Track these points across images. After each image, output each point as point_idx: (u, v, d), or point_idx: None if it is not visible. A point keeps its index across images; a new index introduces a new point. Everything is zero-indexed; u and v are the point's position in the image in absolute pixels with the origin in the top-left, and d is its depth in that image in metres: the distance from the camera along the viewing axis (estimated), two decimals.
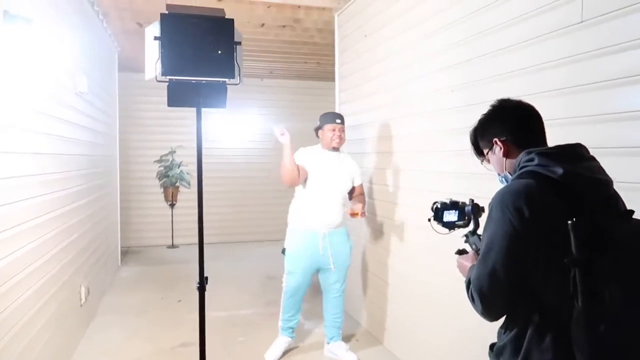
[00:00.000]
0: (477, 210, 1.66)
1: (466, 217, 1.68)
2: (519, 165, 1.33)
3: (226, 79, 1.96)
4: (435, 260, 3.03)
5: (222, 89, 1.98)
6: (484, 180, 2.54)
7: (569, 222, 1.14)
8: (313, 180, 3.36)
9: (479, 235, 1.62)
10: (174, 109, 8.16)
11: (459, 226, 1.71)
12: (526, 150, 1.34)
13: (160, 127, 7.79)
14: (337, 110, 4.79)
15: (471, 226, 1.68)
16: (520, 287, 1.21)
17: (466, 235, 1.64)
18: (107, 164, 5.58)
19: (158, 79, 1.84)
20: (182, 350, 3.72)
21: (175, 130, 7.80)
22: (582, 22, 1.94)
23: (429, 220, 1.70)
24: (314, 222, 3.36)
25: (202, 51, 1.86)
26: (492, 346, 1.35)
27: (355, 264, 4.23)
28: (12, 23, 2.08)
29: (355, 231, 4.12)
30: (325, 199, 3.36)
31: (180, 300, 4.97)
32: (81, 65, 4.05)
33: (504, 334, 1.31)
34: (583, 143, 1.36)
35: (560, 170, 1.22)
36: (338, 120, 3.43)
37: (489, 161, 1.50)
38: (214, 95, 1.96)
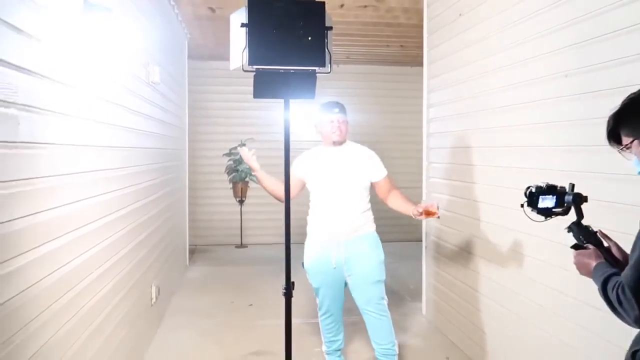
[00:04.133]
0: (579, 199, 1.65)
1: (565, 204, 1.68)
2: None
3: (316, 68, 1.97)
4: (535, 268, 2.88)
5: (311, 78, 1.99)
6: (603, 181, 2.38)
7: None
8: (316, 185, 3.18)
9: (586, 227, 1.64)
10: (245, 99, 8.34)
11: (556, 214, 1.70)
12: None
13: (229, 119, 8.04)
14: (425, 99, 4.70)
15: (570, 215, 1.68)
16: None
17: (570, 228, 1.65)
18: (176, 158, 5.83)
19: (245, 69, 1.87)
20: (255, 359, 3.82)
21: (245, 122, 8.02)
22: None
23: (522, 205, 1.70)
24: (324, 230, 3.15)
25: (291, 38, 1.88)
26: (634, 353, 1.37)
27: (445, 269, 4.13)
28: (92, 12, 2.21)
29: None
30: (333, 202, 3.12)
31: (251, 305, 5.10)
32: (153, 53, 4.25)
33: None
34: None
35: None
36: (336, 109, 3.15)
37: (631, 151, 1.45)
38: (303, 86, 1.97)
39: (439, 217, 2.98)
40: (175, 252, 5.67)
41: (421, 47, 4.86)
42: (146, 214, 4.02)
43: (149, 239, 4.09)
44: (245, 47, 1.88)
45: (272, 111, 8.06)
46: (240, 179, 7.92)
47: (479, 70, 3.67)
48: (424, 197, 4.68)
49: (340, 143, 3.17)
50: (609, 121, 1.49)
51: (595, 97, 2.50)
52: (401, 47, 6.85)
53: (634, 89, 2.21)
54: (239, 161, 7.90)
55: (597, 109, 2.48)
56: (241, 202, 8.06)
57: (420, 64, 4.86)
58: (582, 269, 1.59)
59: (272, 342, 4.09)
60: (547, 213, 1.71)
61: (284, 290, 2.12)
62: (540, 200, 1.68)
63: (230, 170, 8.02)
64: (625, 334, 1.50)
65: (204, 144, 8.01)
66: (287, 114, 2.12)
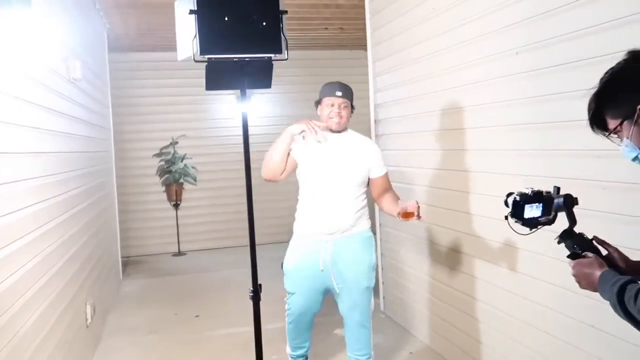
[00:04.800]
0: (571, 202, 1.50)
1: (552, 212, 1.53)
2: None
3: (272, 55, 1.94)
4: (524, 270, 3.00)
5: (268, 66, 1.96)
6: (568, 159, 2.50)
7: None
8: (309, 173, 2.97)
9: (580, 234, 1.50)
10: (175, 92, 8.14)
11: (542, 224, 1.55)
12: None
13: (158, 115, 7.83)
14: (372, 83, 4.76)
15: (556, 222, 1.54)
16: None
17: (561, 237, 1.51)
18: (103, 162, 5.63)
19: (195, 59, 1.82)
20: None
21: (176, 117, 7.85)
22: None
23: (506, 217, 1.54)
24: (313, 228, 2.96)
25: (244, 24, 1.84)
26: None
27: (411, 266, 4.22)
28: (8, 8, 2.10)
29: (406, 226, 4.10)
30: (327, 196, 2.93)
31: (197, 316, 5.01)
32: (73, 46, 4.08)
33: None
34: None
35: None
36: (339, 93, 2.93)
37: (620, 136, 1.33)
38: (259, 75, 1.94)
39: (419, 218, 2.70)
40: (108, 265, 5.48)
41: (362, 29, 4.91)
42: (76, 226, 3.86)
43: (80, 253, 3.93)
44: (195, 36, 1.83)
45: (207, 104, 7.95)
46: (174, 181, 7.75)
47: (427, 50, 3.75)
48: None
49: (339, 131, 2.98)
50: (590, 104, 1.36)
51: (546, 74, 2.61)
52: (340, 29, 6.90)
53: (586, 63, 2.36)
54: (172, 161, 7.74)
55: (548, 85, 2.61)
56: (176, 206, 7.89)
57: (361, 47, 4.92)
58: (584, 280, 1.43)
59: (225, 353, 4.06)
60: (533, 224, 1.55)
61: (251, 294, 2.07)
62: (526, 209, 1.53)
63: (163, 171, 7.83)
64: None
65: (131, 145, 7.76)
66: (244, 107, 2.08)
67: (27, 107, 2.80)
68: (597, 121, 1.36)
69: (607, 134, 1.35)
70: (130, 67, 7.61)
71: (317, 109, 3.03)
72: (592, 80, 1.36)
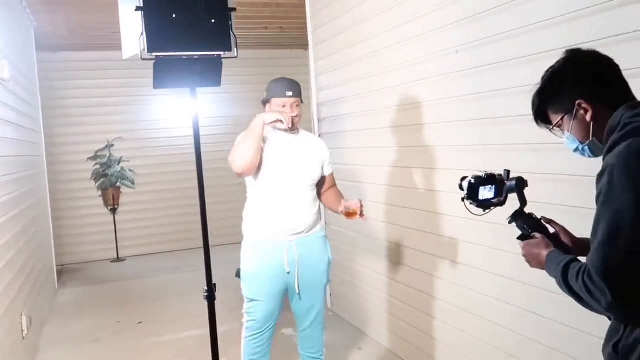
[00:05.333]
0: (522, 184, 1.61)
1: (504, 194, 1.64)
2: (618, 124, 1.31)
3: (221, 53, 1.93)
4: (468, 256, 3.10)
5: (217, 64, 1.95)
6: (504, 152, 2.62)
7: None
8: (269, 170, 2.85)
9: (530, 215, 1.60)
10: (109, 93, 7.87)
11: (494, 205, 1.66)
12: (628, 105, 1.33)
13: (91, 117, 7.57)
14: (314, 82, 4.79)
15: (507, 204, 1.64)
16: None
17: (513, 217, 1.60)
18: (34, 166, 5.40)
19: (143, 57, 1.78)
20: None
21: (110, 119, 7.62)
22: None
23: (463, 200, 1.65)
24: (275, 229, 2.86)
25: (192, 21, 1.81)
26: (615, 345, 1.33)
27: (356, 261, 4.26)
28: None
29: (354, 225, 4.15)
30: (289, 195, 2.86)
31: (141, 322, 4.89)
32: None
33: (625, 329, 1.31)
34: None
35: None
36: (289, 93, 2.84)
37: (562, 130, 1.45)
38: (208, 73, 1.92)
39: (362, 216, 2.78)
40: (42, 274, 5.26)
41: (302, 29, 4.94)
42: (8, 234, 3.69)
43: (13, 262, 3.76)
44: (142, 34, 1.79)
45: (143, 105, 7.75)
46: (110, 185, 7.53)
47: (369, 49, 3.82)
48: None
49: (292, 130, 2.89)
50: (533, 100, 1.48)
51: (485, 72, 2.72)
52: (280, 28, 6.90)
53: (522, 61, 2.48)
54: (108, 164, 7.51)
55: (487, 83, 2.72)
56: (113, 210, 7.66)
57: (301, 46, 4.94)
58: (533, 260, 1.53)
59: (173, 359, 3.98)
60: (486, 205, 1.65)
61: (206, 294, 2.04)
62: (480, 191, 1.62)
63: (98, 175, 7.58)
64: (584, 319, 1.54)
65: (64, 148, 7.46)
66: (193, 106, 2.06)
67: None
68: (541, 116, 1.48)
69: (550, 127, 1.47)
70: (60, 67, 7.32)
71: (265, 107, 2.92)
72: (527, 77, 1.46)
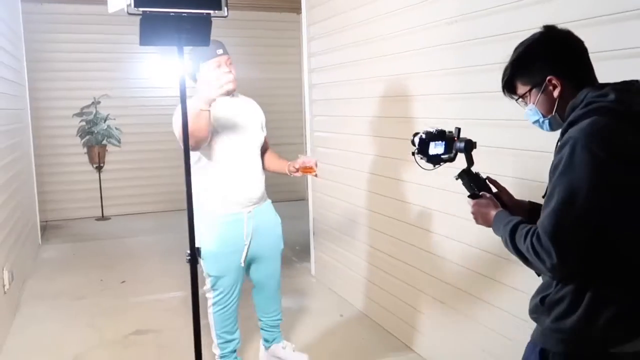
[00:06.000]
0: (470, 146, 1.70)
1: (453, 151, 1.73)
2: (582, 101, 1.39)
3: (211, 11, 1.90)
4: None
5: (205, 22, 1.91)
6: (490, 128, 2.63)
7: None
8: (219, 140, 2.72)
9: (476, 174, 1.70)
10: (97, 49, 7.71)
11: (445, 160, 1.76)
12: (595, 85, 1.42)
13: (77, 72, 7.44)
14: (306, 48, 4.74)
15: (456, 161, 1.74)
16: (602, 237, 1.31)
17: (460, 175, 1.70)
18: (17, 120, 5.34)
19: (129, 12, 1.75)
20: (137, 339, 3.73)
21: (96, 75, 7.50)
22: None
23: (413, 154, 1.73)
24: (232, 200, 2.78)
25: None
26: (543, 299, 1.44)
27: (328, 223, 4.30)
28: None
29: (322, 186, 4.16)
30: (241, 163, 2.78)
31: (124, 282, 4.93)
32: None
33: (557, 285, 1.41)
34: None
35: None
36: (220, 50, 2.69)
37: (526, 101, 1.53)
38: (196, 31, 1.89)
39: (316, 175, 2.89)
40: (25, 229, 5.26)
41: None
42: None
43: None
44: None
45: (130, 63, 7.64)
46: (96, 142, 7.47)
47: (364, 16, 3.77)
48: (308, 152, 4.78)
49: (233, 92, 2.71)
50: (505, 71, 1.55)
51: (479, 44, 2.72)
52: None
53: (513, 36, 2.47)
54: (94, 122, 7.44)
55: (477, 56, 2.71)
56: (99, 168, 7.63)
57: (292, 9, 4.87)
58: (480, 218, 1.62)
59: (152, 320, 4.03)
60: (436, 160, 1.73)
61: (188, 257, 2.06)
62: (431, 146, 1.70)
63: (84, 132, 7.51)
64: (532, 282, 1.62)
65: (49, 103, 7.35)
66: (180, 65, 2.03)
67: None
68: (509, 86, 1.55)
69: (515, 98, 1.55)
70: (46, 20, 7.16)
71: (195, 80, 2.75)
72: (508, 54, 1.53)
